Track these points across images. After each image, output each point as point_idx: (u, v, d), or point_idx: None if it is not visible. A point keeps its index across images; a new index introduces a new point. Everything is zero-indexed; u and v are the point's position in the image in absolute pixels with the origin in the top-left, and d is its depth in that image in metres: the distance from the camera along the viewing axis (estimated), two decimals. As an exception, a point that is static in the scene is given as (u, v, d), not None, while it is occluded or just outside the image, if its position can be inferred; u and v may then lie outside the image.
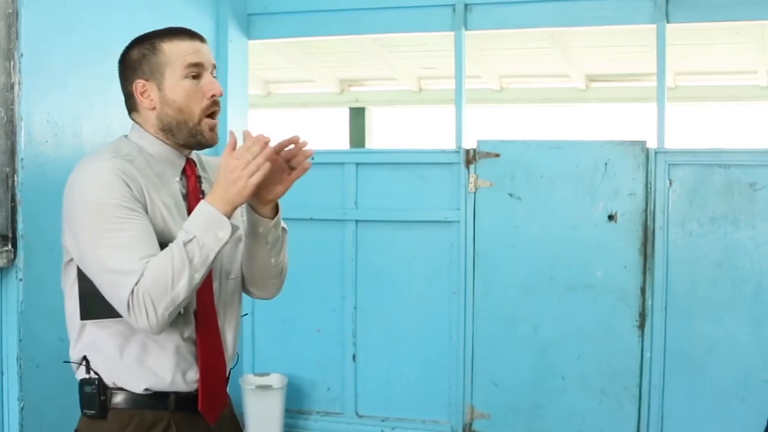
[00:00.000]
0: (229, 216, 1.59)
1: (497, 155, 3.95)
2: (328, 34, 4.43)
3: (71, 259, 1.75)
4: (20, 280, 2.79)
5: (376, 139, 7.63)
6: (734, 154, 3.73)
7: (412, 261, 4.11)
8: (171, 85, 1.69)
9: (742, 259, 3.69)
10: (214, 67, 1.75)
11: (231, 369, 1.83)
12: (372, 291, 4.18)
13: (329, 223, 4.17)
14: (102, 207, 1.60)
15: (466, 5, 4.07)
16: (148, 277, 1.54)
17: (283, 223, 1.79)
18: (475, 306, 4.01)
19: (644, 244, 3.80)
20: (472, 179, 3.96)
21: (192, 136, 1.72)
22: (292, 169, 1.69)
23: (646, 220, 3.79)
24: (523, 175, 3.92)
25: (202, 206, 1.59)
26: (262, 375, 4.23)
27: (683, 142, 4.39)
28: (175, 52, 1.69)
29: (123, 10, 3.38)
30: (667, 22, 3.83)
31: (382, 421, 4.18)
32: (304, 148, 1.67)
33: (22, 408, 2.80)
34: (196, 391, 1.71)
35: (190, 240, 1.56)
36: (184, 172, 1.76)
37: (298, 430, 4.30)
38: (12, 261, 2.77)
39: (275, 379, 4.17)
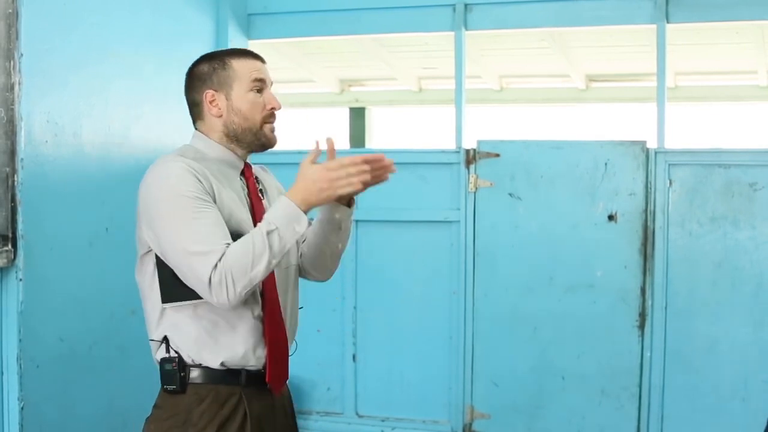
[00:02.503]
0: (305, 213, 1.80)
1: (497, 155, 3.95)
2: (328, 34, 4.43)
3: (148, 251, 1.92)
4: (20, 280, 2.79)
5: (376, 139, 7.62)
6: (734, 154, 3.73)
7: (412, 261, 4.11)
8: (238, 97, 1.94)
9: (742, 259, 3.69)
10: (272, 84, 2.02)
11: (291, 354, 2.02)
12: (372, 291, 4.18)
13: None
14: (180, 199, 1.79)
15: (466, 5, 4.07)
16: (231, 258, 1.74)
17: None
18: (475, 306, 4.01)
19: (644, 244, 3.80)
20: (472, 179, 3.96)
21: (256, 139, 1.96)
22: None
23: (646, 220, 3.79)
24: (523, 175, 3.92)
25: (284, 202, 1.80)
26: (262, 375, 4.22)
27: (683, 142, 4.39)
28: (242, 68, 1.95)
29: (123, 10, 3.38)
30: (667, 22, 3.83)
31: (382, 421, 4.18)
32: (388, 165, 1.87)
33: (22, 408, 2.80)
34: (263, 367, 1.91)
35: (273, 230, 1.76)
36: (242, 174, 2.00)
37: (298, 430, 4.29)
38: (12, 261, 2.77)
39: (275, 379, 4.17)
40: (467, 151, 3.99)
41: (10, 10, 2.72)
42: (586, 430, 3.89)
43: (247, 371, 1.89)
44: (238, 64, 1.95)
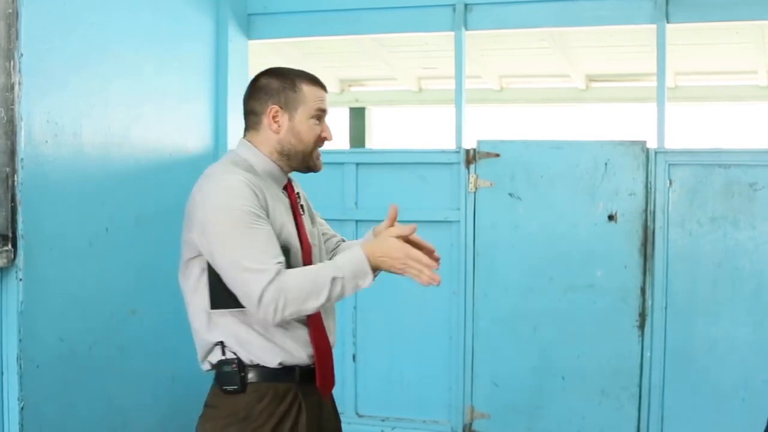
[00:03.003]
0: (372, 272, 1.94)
1: (497, 155, 3.96)
2: (328, 34, 4.43)
3: (196, 256, 1.98)
4: (20, 280, 2.79)
5: (376, 139, 7.63)
6: (734, 154, 3.73)
7: (412, 261, 4.10)
8: (300, 120, 2.04)
9: (742, 259, 3.69)
10: (327, 114, 2.13)
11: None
12: (372, 291, 4.12)
13: (329, 223, 4.14)
14: (237, 212, 1.87)
15: (466, 5, 4.07)
16: (290, 284, 1.85)
17: None
18: (475, 306, 4.01)
19: (644, 244, 3.80)
20: (472, 179, 3.96)
21: (304, 162, 2.08)
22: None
23: (646, 220, 3.79)
24: (523, 175, 3.92)
25: (359, 257, 1.92)
26: (262, 375, 4.22)
27: (683, 142, 4.39)
28: (311, 95, 2.05)
29: (123, 10, 3.38)
30: (667, 22, 3.83)
31: (382, 421, 4.18)
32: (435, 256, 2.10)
33: (22, 408, 2.80)
34: (313, 364, 2.02)
35: (339, 278, 1.88)
36: (284, 188, 2.11)
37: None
38: (12, 261, 2.77)
39: (275, 379, 4.17)
40: (467, 151, 3.99)
41: (10, 10, 2.72)
42: (586, 430, 3.89)
43: (300, 368, 2.00)
44: (308, 90, 2.05)
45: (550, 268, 3.90)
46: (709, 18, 3.87)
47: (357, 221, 4.14)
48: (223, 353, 1.96)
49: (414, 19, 4.19)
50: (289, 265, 1.93)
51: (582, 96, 6.39)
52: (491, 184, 3.96)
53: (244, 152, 2.06)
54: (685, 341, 3.77)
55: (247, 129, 2.10)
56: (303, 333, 2.00)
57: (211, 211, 1.90)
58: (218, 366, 1.98)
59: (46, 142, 2.93)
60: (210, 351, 1.99)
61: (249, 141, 2.07)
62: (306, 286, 1.86)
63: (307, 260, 2.06)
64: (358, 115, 7.34)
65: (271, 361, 1.96)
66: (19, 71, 2.75)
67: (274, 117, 2.03)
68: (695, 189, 3.74)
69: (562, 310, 3.89)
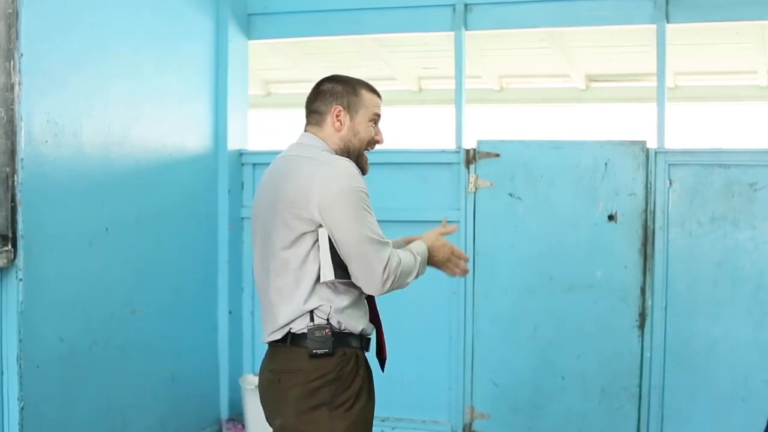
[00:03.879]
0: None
1: (497, 155, 3.96)
2: (328, 34, 4.43)
3: (308, 231, 2.13)
4: (20, 280, 2.79)
5: (376, 139, 7.60)
6: (734, 154, 3.73)
7: (412, 261, 4.10)
8: (360, 122, 2.29)
9: (742, 259, 3.69)
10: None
11: None
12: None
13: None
14: (359, 193, 2.13)
15: (466, 5, 4.07)
16: (404, 262, 2.16)
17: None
18: (475, 306, 4.01)
19: (644, 244, 3.80)
20: (472, 179, 3.96)
21: (356, 159, 2.27)
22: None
23: (646, 220, 3.79)
24: (523, 175, 3.92)
25: (424, 246, 2.30)
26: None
27: (683, 142, 4.38)
28: (370, 101, 2.32)
29: (123, 10, 3.38)
30: (667, 22, 3.83)
31: (382, 421, 4.18)
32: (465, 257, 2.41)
33: (22, 408, 2.80)
34: (370, 336, 2.29)
35: (419, 263, 2.24)
36: None
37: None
38: (12, 261, 2.77)
39: (275, 379, 4.17)
40: (467, 151, 3.99)
41: (10, 10, 2.72)
42: (586, 430, 3.89)
43: (361, 337, 2.23)
44: (367, 96, 2.31)
45: (550, 268, 3.90)
46: (709, 18, 3.87)
47: (357, 221, 4.13)
48: (312, 319, 2.14)
49: (414, 19, 4.19)
50: None
51: (582, 96, 6.38)
52: (491, 184, 3.96)
53: (324, 146, 2.26)
54: (685, 341, 3.77)
55: (308, 125, 2.30)
56: (367, 309, 2.29)
57: (338, 189, 2.11)
58: (310, 332, 2.14)
59: (46, 142, 2.94)
60: (296, 318, 2.15)
61: (315, 135, 2.28)
62: (410, 264, 2.19)
63: None
64: (358, 115, 7.32)
65: (356, 327, 2.20)
66: (19, 71, 2.75)
67: (337, 116, 2.26)
68: (695, 189, 3.74)
69: (562, 310, 3.89)
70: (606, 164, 3.83)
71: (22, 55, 2.76)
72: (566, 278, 3.89)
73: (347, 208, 2.11)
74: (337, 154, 2.25)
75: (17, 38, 2.74)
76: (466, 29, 4.09)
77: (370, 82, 2.37)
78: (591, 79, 6.18)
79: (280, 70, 6.12)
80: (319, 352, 2.14)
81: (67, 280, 3.06)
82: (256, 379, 4.16)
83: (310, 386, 2.13)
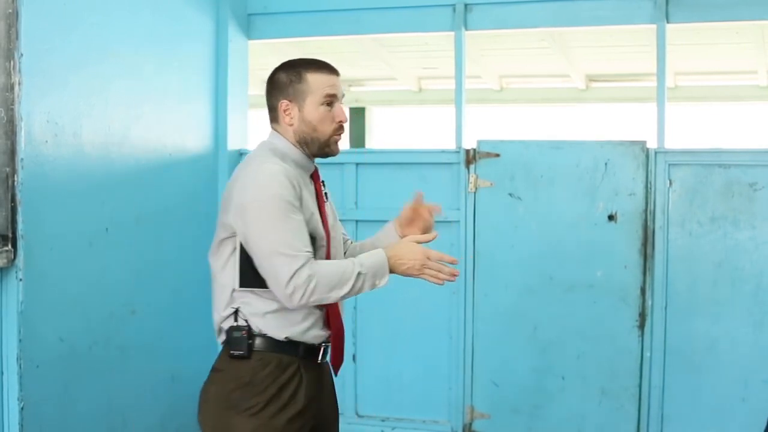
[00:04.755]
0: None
1: (497, 155, 3.95)
2: (328, 34, 4.43)
3: (229, 237, 2.08)
4: (20, 280, 2.79)
5: (376, 139, 7.62)
6: (734, 154, 3.73)
7: (412, 261, 4.10)
8: (310, 110, 2.13)
9: (742, 259, 3.69)
10: (343, 96, 2.21)
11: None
12: (372, 291, 4.16)
13: (329, 223, 4.16)
14: (275, 200, 1.99)
15: (466, 5, 4.07)
16: (321, 273, 2.00)
17: None
18: (475, 306, 4.01)
19: (644, 244, 3.80)
20: (472, 179, 3.96)
21: (321, 149, 2.17)
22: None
23: (646, 220, 3.79)
24: (523, 175, 3.92)
25: (381, 257, 2.09)
26: (262, 375, 4.22)
27: (683, 142, 4.39)
28: (317, 83, 2.14)
29: (123, 10, 3.38)
30: (667, 22, 3.83)
31: (382, 421, 4.18)
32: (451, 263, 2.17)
33: (22, 408, 2.80)
34: (319, 345, 2.16)
35: (363, 274, 2.05)
36: (311, 176, 2.21)
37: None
38: (12, 261, 2.77)
39: (275, 379, 4.17)
40: (467, 151, 3.98)
41: (10, 10, 2.72)
42: (586, 430, 3.89)
43: (305, 344, 2.12)
44: (313, 78, 2.15)
45: (550, 268, 3.90)
46: (709, 18, 3.87)
47: (357, 221, 4.13)
48: (236, 320, 2.09)
49: (414, 19, 4.19)
50: (315, 252, 2.07)
51: (582, 96, 6.38)
52: (491, 184, 3.96)
53: (277, 141, 2.16)
54: (685, 341, 3.77)
55: (271, 122, 2.21)
56: (313, 316, 2.13)
57: (251, 197, 2.01)
58: (229, 331, 2.09)
59: (46, 142, 2.94)
60: (224, 320, 2.12)
61: (276, 131, 2.18)
62: (334, 277, 2.01)
63: (330, 248, 2.18)
64: (358, 115, 7.34)
65: (279, 334, 2.08)
66: (19, 71, 2.75)
67: (285, 111, 2.14)
68: (695, 189, 3.74)
69: (562, 310, 3.89)
70: (606, 164, 3.83)
71: (22, 55, 2.76)
72: (566, 278, 3.89)
73: (260, 217, 2.01)
74: (298, 148, 2.15)
75: (17, 38, 2.74)
76: (466, 29, 4.09)
77: (323, 59, 2.25)
78: (591, 79, 6.18)
79: (280, 70, 6.11)
80: (235, 353, 2.09)
81: (67, 280, 3.06)
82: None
83: (225, 387, 2.10)
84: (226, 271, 2.10)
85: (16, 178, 2.76)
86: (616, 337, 3.83)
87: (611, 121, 7.72)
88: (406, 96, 6.77)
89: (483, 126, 6.20)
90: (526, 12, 4.02)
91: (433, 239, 2.18)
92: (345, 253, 2.36)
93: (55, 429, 3.00)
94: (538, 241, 3.91)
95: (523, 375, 3.95)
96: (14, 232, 2.76)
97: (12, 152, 2.75)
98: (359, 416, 4.22)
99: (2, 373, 2.79)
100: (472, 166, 3.97)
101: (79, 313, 3.13)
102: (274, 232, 1.99)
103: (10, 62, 2.73)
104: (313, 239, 2.08)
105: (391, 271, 2.09)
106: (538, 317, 3.92)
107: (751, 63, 5.40)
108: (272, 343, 2.09)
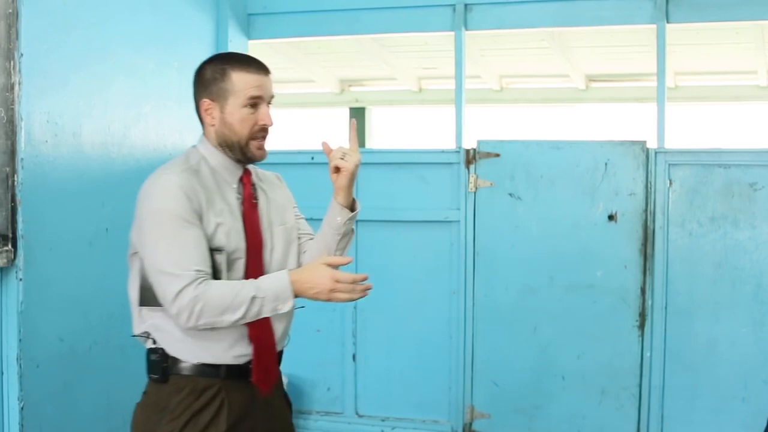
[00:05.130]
0: (294, 298, 1.92)
1: (497, 155, 3.95)
2: (328, 34, 4.43)
3: (135, 253, 2.00)
4: (20, 280, 2.79)
5: (376, 139, 7.62)
6: (734, 154, 3.73)
7: (412, 261, 4.11)
8: (231, 111, 1.97)
9: (742, 259, 3.69)
10: (272, 97, 2.04)
11: (283, 348, 2.11)
12: (372, 291, 4.16)
13: (329, 223, 4.16)
14: (165, 216, 1.88)
15: (466, 5, 4.07)
16: (210, 294, 1.85)
17: (354, 227, 2.16)
18: (475, 306, 4.01)
19: (644, 244, 3.80)
20: (472, 179, 3.96)
21: (242, 153, 2.00)
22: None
23: (646, 220, 3.79)
24: (523, 175, 3.92)
25: (284, 280, 1.90)
26: (262, 375, 4.22)
27: (683, 142, 4.39)
28: (241, 82, 1.97)
29: (123, 10, 3.38)
30: (667, 22, 3.83)
31: (382, 421, 4.18)
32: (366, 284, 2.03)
33: (22, 408, 2.80)
34: (245, 364, 1.99)
35: (259, 299, 1.87)
36: (240, 180, 2.05)
37: (298, 430, 4.29)
38: (12, 261, 2.77)
39: (275, 379, 4.17)
40: (467, 151, 3.99)
41: (10, 10, 2.72)
42: (586, 430, 3.89)
43: (228, 366, 1.97)
44: (237, 77, 1.97)
45: (550, 268, 3.90)
46: (709, 18, 3.87)
47: (357, 221, 4.12)
48: (153, 342, 1.99)
49: (414, 19, 4.19)
50: (227, 263, 1.94)
51: (582, 96, 6.38)
52: (491, 184, 3.96)
53: (201, 146, 2.04)
54: (685, 341, 3.77)
55: (201, 123, 2.08)
56: (232, 334, 1.96)
57: (145, 212, 1.93)
58: (147, 353, 2.01)
59: (46, 142, 2.94)
60: (144, 341, 2.03)
61: (204, 135, 2.05)
62: (225, 300, 1.85)
63: (253, 259, 2.01)
64: (358, 115, 7.33)
65: (191, 358, 1.96)
66: (19, 71, 2.75)
67: (206, 111, 2.00)
68: (695, 189, 3.74)
69: (562, 310, 3.89)
70: (606, 164, 3.83)
71: (22, 55, 2.76)
72: (566, 278, 3.89)
73: (149, 233, 1.90)
74: (219, 150, 2.01)
75: (17, 38, 2.74)
76: (466, 29, 4.09)
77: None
78: (591, 79, 6.18)
79: (280, 70, 6.12)
80: (153, 376, 1.99)
81: (67, 280, 3.06)
82: (256, 379, 4.18)
83: (146, 411, 2.01)
84: (132, 288, 2.02)
85: (16, 178, 2.76)
86: (616, 337, 3.83)
87: (611, 121, 7.72)
88: (406, 96, 6.76)
89: (483, 126, 6.20)
90: (526, 12, 4.03)
91: (348, 263, 2.01)
92: (304, 253, 2.18)
93: (55, 429, 3.00)
94: (538, 241, 3.91)
95: (523, 375, 3.96)
96: (14, 232, 2.76)
97: (12, 152, 2.75)
98: (359, 416, 4.22)
99: (2, 372, 2.79)
100: (472, 166, 3.97)
101: (79, 313, 3.13)
102: (160, 249, 1.87)
103: (10, 62, 2.73)
104: (220, 252, 1.93)
105: (298, 295, 1.92)
106: (538, 317, 3.92)
107: (751, 63, 5.39)
108: (187, 367, 1.96)
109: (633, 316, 3.82)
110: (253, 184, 2.08)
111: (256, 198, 2.07)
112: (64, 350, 3.05)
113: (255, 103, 1.98)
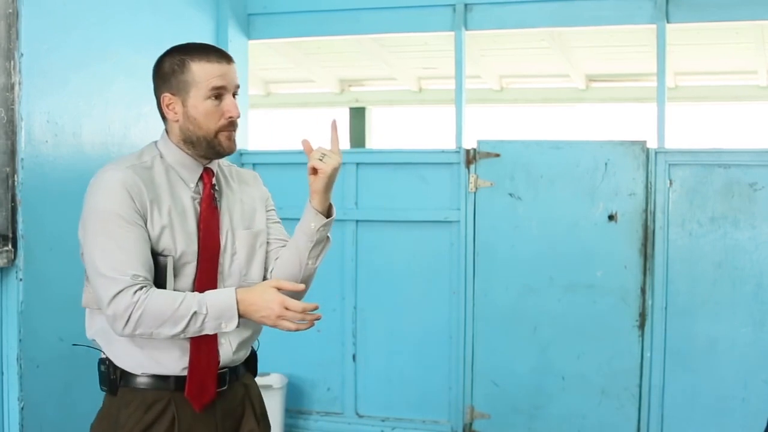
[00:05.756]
0: (239, 318, 1.78)
1: (497, 155, 3.95)
2: (328, 34, 4.43)
3: (82, 252, 1.87)
4: (20, 280, 2.79)
5: (376, 139, 7.62)
6: (734, 154, 3.73)
7: (412, 261, 4.11)
8: (194, 104, 1.84)
9: (742, 259, 3.69)
10: (238, 87, 1.90)
11: (241, 362, 1.98)
12: (372, 291, 4.18)
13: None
14: (105, 214, 1.76)
15: (466, 5, 4.07)
16: (150, 303, 1.72)
17: (329, 235, 1.99)
18: (475, 306, 4.01)
19: (644, 244, 3.80)
20: (472, 179, 3.96)
21: (211, 147, 1.87)
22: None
23: (646, 220, 3.79)
24: (523, 175, 3.92)
25: (230, 299, 1.77)
26: (262, 375, 4.20)
27: (683, 142, 4.39)
28: (202, 73, 1.83)
29: (123, 10, 3.38)
30: (667, 22, 3.83)
31: (382, 421, 4.18)
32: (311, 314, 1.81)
33: (22, 408, 2.80)
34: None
35: (201, 315, 1.75)
36: (201, 179, 1.91)
37: (298, 430, 4.30)
38: (12, 261, 2.77)
39: (275, 379, 4.17)
40: (467, 151, 3.99)
41: (10, 10, 2.72)
42: (586, 430, 3.89)
43: (176, 377, 1.85)
44: (197, 68, 1.84)
45: (550, 268, 3.90)
46: (709, 18, 3.87)
47: (357, 221, 4.14)
48: (103, 351, 1.90)
49: (414, 19, 4.19)
50: (174, 268, 1.81)
51: (582, 96, 6.38)
52: (491, 184, 3.96)
53: (160, 143, 1.91)
54: (685, 341, 3.77)
55: (162, 119, 1.95)
56: (181, 343, 1.83)
57: (86, 209, 1.81)
58: (98, 364, 1.92)
59: (46, 142, 2.94)
60: (96, 348, 1.93)
61: (165, 130, 1.92)
62: (165, 311, 1.73)
63: (206, 265, 1.87)
64: (358, 115, 7.34)
65: (135, 368, 1.85)
66: (19, 71, 2.75)
67: (168, 105, 1.86)
68: (695, 189, 3.74)
69: (562, 310, 3.89)
70: (606, 164, 3.83)
71: (22, 55, 2.76)
72: (566, 278, 3.89)
73: (88, 232, 1.78)
74: (184, 149, 1.88)
75: (17, 38, 2.74)
76: (466, 29, 4.09)
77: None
78: (591, 79, 6.18)
79: (280, 70, 6.12)
80: (103, 388, 1.91)
81: (67, 280, 3.04)
82: (256, 379, 4.17)
83: (100, 424, 1.92)
84: (86, 289, 1.88)
85: (16, 178, 2.76)
86: (616, 337, 3.83)
87: (611, 121, 7.72)
88: (406, 96, 6.76)
89: (483, 126, 6.20)
90: (526, 12, 4.03)
91: (299, 290, 1.84)
92: (276, 260, 2.02)
93: (55, 429, 2.99)
94: (538, 241, 3.91)
95: (523, 375, 3.96)
96: (14, 232, 2.76)
97: (12, 152, 2.75)
98: (359, 416, 4.22)
99: (2, 373, 2.79)
100: (472, 166, 3.97)
101: (79, 313, 3.12)
102: (98, 249, 1.75)
103: (10, 62, 2.73)
104: (162, 256, 1.80)
105: (244, 316, 1.78)
106: (538, 317, 3.92)
107: (751, 63, 5.39)
108: (134, 379, 1.85)
109: (633, 316, 3.82)
110: (214, 185, 1.93)
111: (216, 199, 1.92)
112: (64, 350, 3.03)
113: (219, 94, 1.84)
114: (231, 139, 1.88)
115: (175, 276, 1.82)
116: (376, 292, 4.18)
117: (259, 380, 4.48)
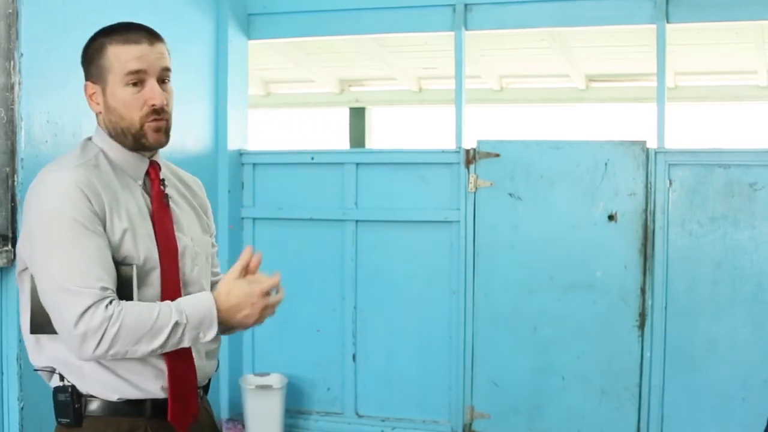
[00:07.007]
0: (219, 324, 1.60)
1: (497, 155, 3.95)
2: (328, 34, 4.43)
3: (24, 269, 1.66)
4: (20, 280, 2.78)
5: (376, 139, 7.63)
6: (734, 154, 3.73)
7: (412, 261, 4.11)
8: (112, 92, 1.64)
9: (742, 259, 3.69)
10: (167, 70, 1.69)
11: (211, 377, 1.81)
12: (372, 291, 4.18)
13: (329, 223, 4.17)
14: (59, 220, 1.53)
15: (466, 5, 4.07)
16: (126, 318, 1.51)
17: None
18: (475, 306, 4.01)
19: (644, 244, 3.80)
20: (472, 179, 3.96)
21: (137, 140, 1.67)
22: None
23: (646, 220, 3.79)
24: (523, 175, 3.92)
25: (206, 300, 1.58)
26: (262, 375, 4.23)
27: (683, 142, 4.39)
28: (117, 57, 1.63)
29: (123, 10, 3.37)
30: (667, 22, 3.83)
31: (382, 421, 4.18)
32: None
33: (22, 408, 2.80)
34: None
35: (182, 324, 1.55)
36: (147, 174, 1.73)
37: (298, 430, 4.30)
38: (12, 261, 2.77)
39: (275, 379, 4.18)
40: (467, 151, 3.99)
41: (10, 10, 2.72)
42: (586, 430, 3.89)
43: (153, 401, 1.64)
44: (114, 52, 1.63)
45: (550, 268, 3.90)
46: (709, 18, 3.87)
47: (357, 221, 4.14)
48: (61, 379, 1.63)
49: (414, 19, 4.19)
50: (138, 277, 1.61)
51: (582, 96, 6.38)
52: (491, 184, 3.96)
53: (97, 138, 1.72)
54: (685, 341, 3.77)
55: None
56: (158, 361, 1.63)
57: (34, 216, 1.57)
58: (53, 393, 1.64)
59: (46, 142, 2.93)
60: (49, 376, 1.66)
61: (97, 123, 1.73)
62: (144, 324, 1.52)
63: (168, 269, 1.66)
64: (358, 115, 7.34)
65: (110, 394, 1.61)
66: (19, 71, 2.75)
67: (90, 96, 1.68)
68: (695, 189, 3.74)
69: (562, 310, 3.89)
70: (606, 164, 3.83)
71: (22, 55, 2.76)
72: (566, 278, 3.89)
73: (38, 244, 1.55)
74: (116, 142, 1.68)
75: (17, 38, 2.74)
76: (466, 29, 4.09)
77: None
78: (591, 79, 6.18)
79: (280, 70, 6.12)
80: (63, 420, 1.62)
81: (67, 280, 3.06)
82: (256, 380, 4.18)
83: None
84: (24, 312, 1.67)
85: (16, 178, 2.76)
86: (616, 337, 3.83)
87: (611, 121, 7.73)
88: (406, 96, 6.76)
89: (483, 126, 6.21)
90: (526, 12, 4.03)
91: (276, 284, 1.64)
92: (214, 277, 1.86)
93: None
94: (538, 241, 3.91)
95: (523, 375, 3.96)
96: (14, 232, 2.76)
97: (12, 152, 2.75)
98: (359, 416, 4.22)
99: (2, 373, 2.79)
100: (472, 166, 3.97)
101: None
102: (55, 262, 1.52)
103: (10, 62, 2.73)
104: (125, 265, 1.59)
105: (223, 322, 1.59)
106: (538, 317, 3.92)
107: (751, 63, 5.39)
108: (105, 406, 1.61)
109: (633, 316, 3.82)
110: (162, 180, 1.74)
111: (166, 196, 1.73)
112: (64, 350, 3.04)
113: (139, 79, 1.63)
114: (159, 131, 1.66)
115: (139, 287, 1.61)
116: (376, 292, 4.18)
117: (258, 380, 4.51)
